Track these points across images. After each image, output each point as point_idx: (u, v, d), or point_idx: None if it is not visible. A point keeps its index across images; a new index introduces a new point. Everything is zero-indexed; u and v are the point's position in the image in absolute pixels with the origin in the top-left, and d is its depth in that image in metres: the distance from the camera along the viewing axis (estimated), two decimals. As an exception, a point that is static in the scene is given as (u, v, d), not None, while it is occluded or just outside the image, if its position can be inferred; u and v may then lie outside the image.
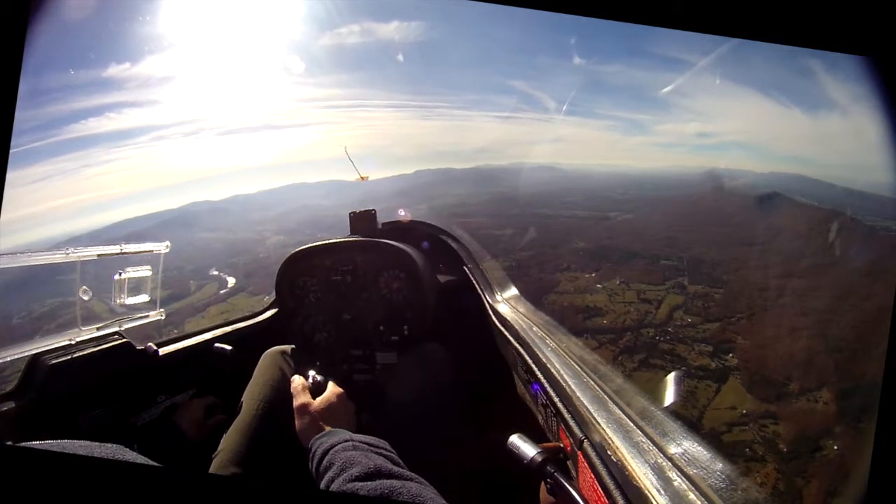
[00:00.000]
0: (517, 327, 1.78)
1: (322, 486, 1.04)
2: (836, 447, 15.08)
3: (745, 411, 16.66)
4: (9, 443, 1.34)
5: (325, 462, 1.10)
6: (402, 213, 2.45)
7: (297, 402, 1.45)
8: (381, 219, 2.46)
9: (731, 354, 19.17)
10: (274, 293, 2.10)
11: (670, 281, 24.66)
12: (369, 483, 0.96)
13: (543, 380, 1.48)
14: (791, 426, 16.04)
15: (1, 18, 1.05)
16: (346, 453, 1.08)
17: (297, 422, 1.42)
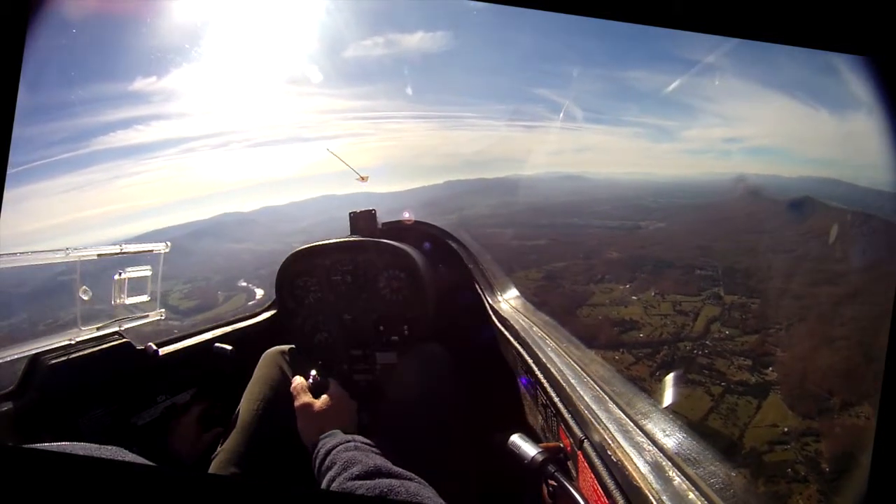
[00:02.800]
0: (517, 327, 1.77)
1: (323, 485, 1.06)
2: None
3: (786, 429, 16.04)
4: (9, 443, 1.36)
5: (326, 462, 1.13)
6: (406, 214, 2.44)
7: (297, 402, 1.46)
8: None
9: (770, 368, 18.51)
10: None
11: (706, 291, 23.99)
12: (369, 482, 0.98)
13: (543, 379, 1.46)
14: (833, 444, 15.34)
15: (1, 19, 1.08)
16: (348, 453, 1.11)
17: (298, 422, 1.43)
